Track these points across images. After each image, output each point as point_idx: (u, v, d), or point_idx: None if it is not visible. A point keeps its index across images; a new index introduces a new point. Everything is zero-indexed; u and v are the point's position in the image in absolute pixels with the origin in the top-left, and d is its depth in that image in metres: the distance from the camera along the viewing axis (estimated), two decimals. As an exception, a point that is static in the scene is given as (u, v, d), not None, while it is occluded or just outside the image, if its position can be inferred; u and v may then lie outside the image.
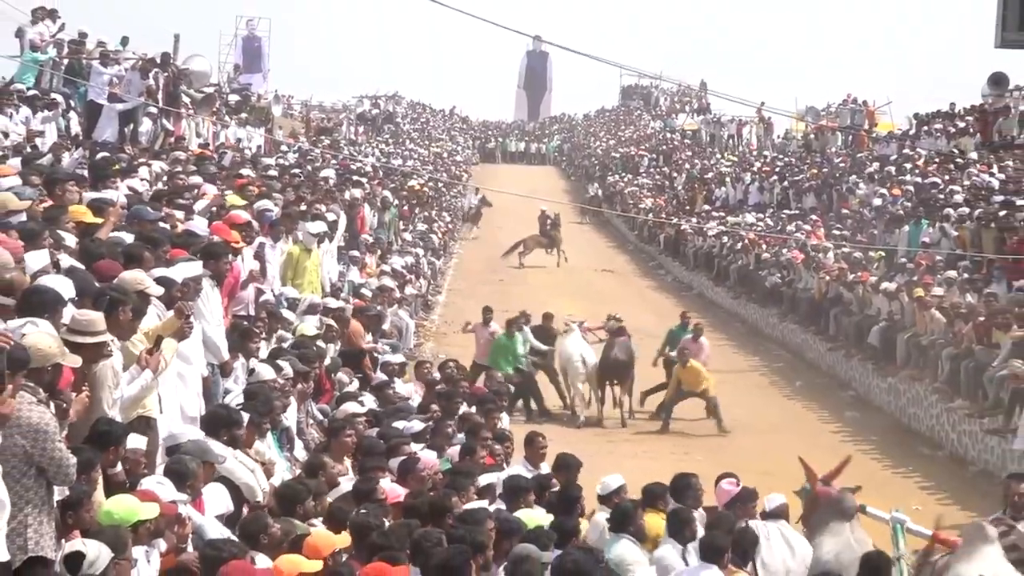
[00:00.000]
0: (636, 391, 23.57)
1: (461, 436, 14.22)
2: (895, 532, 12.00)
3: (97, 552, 7.37)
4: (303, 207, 21.81)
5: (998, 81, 37.23)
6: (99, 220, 13.03)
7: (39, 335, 7.92)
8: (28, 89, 24.52)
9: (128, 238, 12.75)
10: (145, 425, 9.97)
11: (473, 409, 15.88)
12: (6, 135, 21.26)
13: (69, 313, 9.12)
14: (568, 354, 23.37)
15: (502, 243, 47.68)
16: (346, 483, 11.41)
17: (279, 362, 13.74)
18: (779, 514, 11.63)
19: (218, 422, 10.89)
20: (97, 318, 9.09)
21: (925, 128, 42.18)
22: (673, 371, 22.80)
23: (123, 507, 8.32)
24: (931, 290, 23.57)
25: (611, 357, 23.04)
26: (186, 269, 11.99)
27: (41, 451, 7.39)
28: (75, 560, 7.33)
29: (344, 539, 9.33)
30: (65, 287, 9.45)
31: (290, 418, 13.41)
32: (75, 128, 24.77)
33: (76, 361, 8.34)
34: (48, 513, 7.58)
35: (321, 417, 14.86)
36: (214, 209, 17.26)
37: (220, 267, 12.99)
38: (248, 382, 12.75)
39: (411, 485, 11.41)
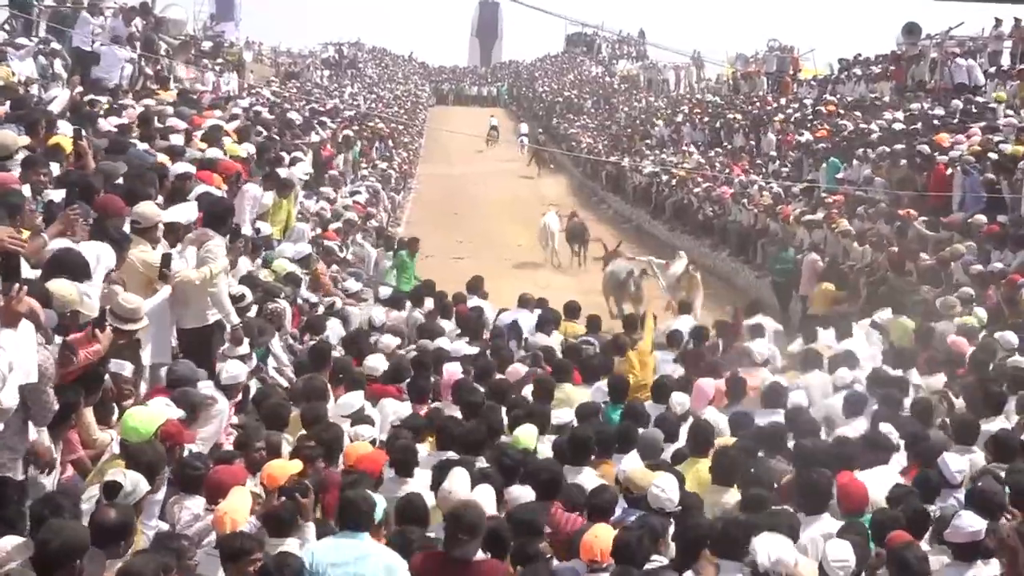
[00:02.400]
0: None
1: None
2: (649, 263, 25.59)
3: (135, 484, 7.26)
4: (277, 151, 21.84)
5: (911, 30, 37.32)
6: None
7: (62, 283, 7.92)
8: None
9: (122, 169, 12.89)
10: (136, 347, 9.87)
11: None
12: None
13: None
14: (545, 222, 32.82)
15: (453, 178, 50.04)
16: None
17: (279, 301, 13.85)
18: None
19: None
20: (139, 304, 9.12)
21: (846, 73, 42.36)
22: None
23: (142, 418, 8.27)
24: (841, 224, 23.82)
25: (573, 227, 33.18)
26: (185, 211, 12.02)
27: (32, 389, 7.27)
28: (113, 490, 7.18)
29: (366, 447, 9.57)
30: (106, 255, 9.52)
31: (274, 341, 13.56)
32: (59, 71, 24.50)
33: (93, 310, 8.33)
34: (22, 442, 7.45)
35: (291, 341, 14.96)
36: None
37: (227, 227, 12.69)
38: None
39: None
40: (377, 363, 13.23)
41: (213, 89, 30.97)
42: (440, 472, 8.98)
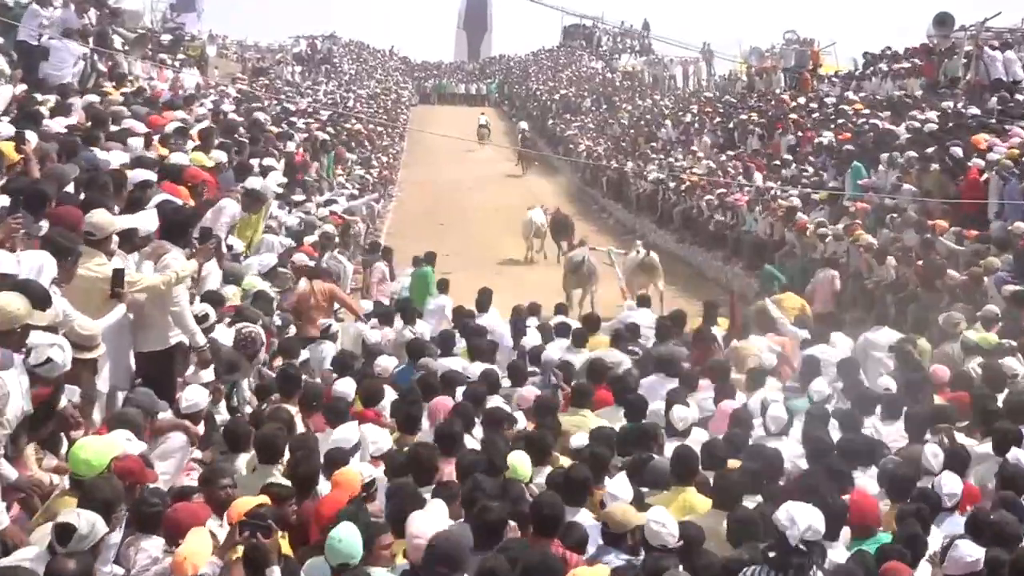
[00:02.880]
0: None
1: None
2: (609, 253, 29.03)
3: (90, 526, 7.09)
4: (246, 158, 21.88)
5: (943, 21, 37.34)
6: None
7: (7, 296, 7.91)
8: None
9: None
10: (91, 369, 9.78)
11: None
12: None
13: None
14: (530, 217, 35.42)
15: (438, 184, 50.27)
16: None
17: (250, 328, 13.75)
18: None
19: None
20: (97, 331, 9.11)
21: (871, 69, 42.40)
22: None
23: (94, 450, 8.17)
24: (863, 237, 23.83)
25: (557, 220, 35.50)
26: (144, 219, 12.01)
27: None
28: (66, 532, 7.01)
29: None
30: (49, 265, 9.51)
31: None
32: (3, 68, 24.48)
33: (44, 319, 8.33)
34: None
35: (260, 366, 14.94)
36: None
37: (187, 239, 12.74)
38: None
39: None
40: (346, 388, 13.06)
41: (172, 87, 30.98)
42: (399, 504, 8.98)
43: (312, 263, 20.08)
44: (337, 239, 24.30)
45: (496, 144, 60.16)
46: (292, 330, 16.57)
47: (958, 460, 10.95)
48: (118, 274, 10.47)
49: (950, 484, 10.03)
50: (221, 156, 20.02)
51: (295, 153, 29.06)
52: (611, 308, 24.34)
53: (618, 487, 9.67)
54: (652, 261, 26.58)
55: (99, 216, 10.87)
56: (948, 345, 16.68)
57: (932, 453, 11.15)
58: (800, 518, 7.71)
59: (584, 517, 9.65)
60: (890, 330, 17.85)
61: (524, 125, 67.83)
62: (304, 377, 13.44)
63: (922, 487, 10.23)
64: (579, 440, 11.65)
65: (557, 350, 16.88)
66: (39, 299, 8.48)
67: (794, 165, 34.63)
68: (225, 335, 13.39)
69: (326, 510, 8.97)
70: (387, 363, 14.94)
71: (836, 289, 23.22)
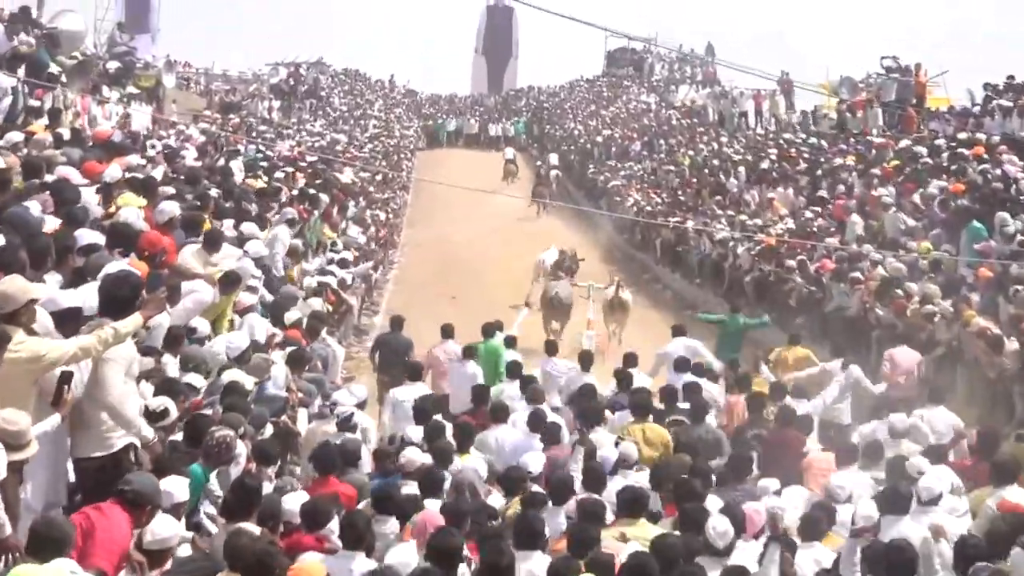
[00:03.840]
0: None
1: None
2: (589, 288, 35.48)
3: None
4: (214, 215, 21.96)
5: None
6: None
7: None
8: None
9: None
10: (17, 474, 9.67)
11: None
12: None
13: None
14: (541, 258, 39.13)
15: (449, 245, 50.73)
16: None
17: (223, 433, 13.71)
18: None
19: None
20: (26, 425, 9.15)
21: (994, 103, 42.07)
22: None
23: None
24: (973, 321, 23.79)
25: (561, 260, 38.12)
26: (86, 295, 12.08)
27: None
28: None
29: None
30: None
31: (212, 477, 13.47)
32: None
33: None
34: None
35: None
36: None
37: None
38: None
39: None
40: (292, 506, 12.71)
41: (120, 124, 31.05)
42: None
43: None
44: (327, 318, 24.24)
45: (525, 196, 60.37)
46: (268, 429, 16.53)
47: None
48: (65, 379, 10.39)
49: None
50: (172, 208, 19.65)
51: (294, 208, 28.95)
52: (571, 335, 31.19)
53: None
54: (621, 300, 33.53)
55: (7, 285, 10.71)
56: None
57: None
58: None
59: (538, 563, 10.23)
60: (947, 410, 19.20)
61: (554, 159, 70.87)
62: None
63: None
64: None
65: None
66: None
67: (893, 209, 34.44)
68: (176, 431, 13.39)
69: None
70: (414, 455, 15.11)
71: (921, 374, 23.28)
